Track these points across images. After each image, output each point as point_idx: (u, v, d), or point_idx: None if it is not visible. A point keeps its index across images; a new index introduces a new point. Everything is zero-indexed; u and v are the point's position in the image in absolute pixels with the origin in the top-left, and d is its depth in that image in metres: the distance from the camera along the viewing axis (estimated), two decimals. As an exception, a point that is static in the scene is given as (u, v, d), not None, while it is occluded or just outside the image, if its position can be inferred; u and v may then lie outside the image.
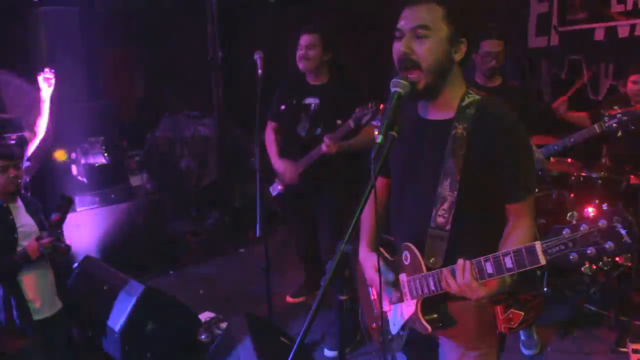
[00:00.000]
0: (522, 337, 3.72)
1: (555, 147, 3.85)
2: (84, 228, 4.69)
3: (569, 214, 1.48)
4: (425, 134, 1.96)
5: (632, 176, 4.10)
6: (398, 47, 1.84)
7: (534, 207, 1.90)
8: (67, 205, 3.25)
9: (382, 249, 2.16)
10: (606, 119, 3.49)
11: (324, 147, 3.64)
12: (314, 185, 3.90)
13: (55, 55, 4.91)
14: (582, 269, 1.46)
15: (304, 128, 3.88)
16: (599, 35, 5.51)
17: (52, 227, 3.21)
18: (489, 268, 1.67)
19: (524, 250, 1.58)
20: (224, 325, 3.98)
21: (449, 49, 1.82)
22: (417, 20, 1.80)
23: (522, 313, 1.93)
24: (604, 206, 1.42)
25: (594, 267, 1.45)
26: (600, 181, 4.11)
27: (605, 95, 5.52)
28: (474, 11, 1.91)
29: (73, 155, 4.89)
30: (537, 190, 4.30)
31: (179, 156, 6.01)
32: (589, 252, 1.43)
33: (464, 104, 1.88)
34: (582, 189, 4.20)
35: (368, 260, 2.14)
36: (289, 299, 4.52)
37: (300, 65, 3.78)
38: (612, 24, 5.37)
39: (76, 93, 4.98)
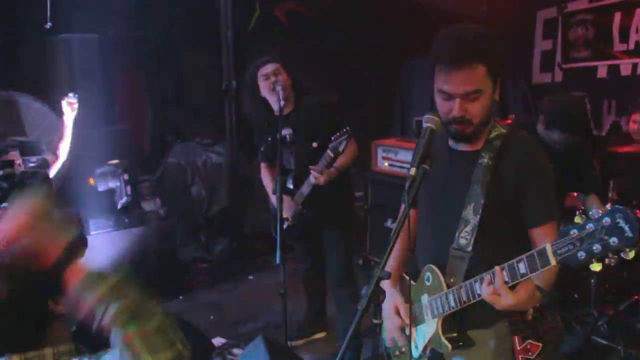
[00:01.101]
0: (532, 368, 3.76)
1: None
2: (97, 251, 4.73)
3: (576, 216, 1.57)
4: (454, 163, 2.09)
5: (637, 210, 4.19)
6: (449, 110, 1.93)
7: (555, 233, 1.98)
8: None
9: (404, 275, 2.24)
10: None
11: (312, 180, 3.62)
12: (316, 212, 3.87)
13: (74, 80, 5.02)
14: (590, 266, 1.54)
15: (288, 161, 3.87)
16: (602, 72, 5.68)
17: None
18: (505, 276, 1.77)
19: (535, 253, 1.68)
20: (236, 350, 4.02)
21: (493, 96, 1.96)
22: (468, 86, 1.88)
23: (541, 345, 2.00)
24: (608, 205, 1.51)
25: (601, 263, 1.52)
26: (607, 215, 4.18)
27: (608, 131, 5.65)
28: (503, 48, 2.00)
29: (126, 176, 4.95)
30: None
31: (190, 183, 6.07)
32: (595, 249, 1.51)
33: (491, 136, 2.03)
34: (589, 222, 4.28)
35: (389, 296, 2.15)
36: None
37: (274, 97, 3.65)
38: (615, 62, 5.54)
39: (93, 118, 5.05)
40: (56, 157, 4.10)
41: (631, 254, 1.49)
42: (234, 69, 5.84)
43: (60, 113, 4.12)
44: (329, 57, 6.77)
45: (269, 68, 3.69)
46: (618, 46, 5.51)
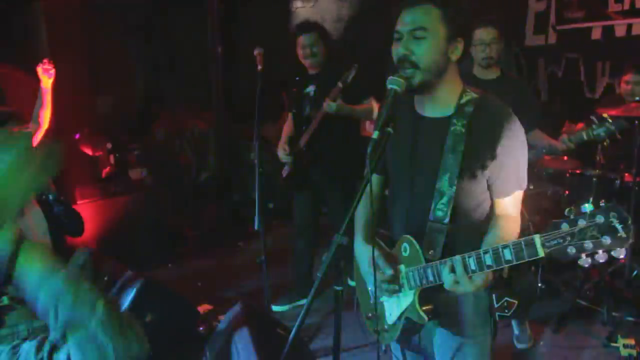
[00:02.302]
0: (516, 332, 3.77)
1: (544, 151, 3.88)
2: (85, 220, 4.72)
3: (566, 210, 1.55)
4: (424, 130, 2.02)
5: (626, 174, 4.15)
6: (397, 49, 1.90)
7: (519, 203, 2.00)
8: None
9: (379, 241, 2.21)
10: (595, 126, 3.54)
11: (324, 106, 3.93)
12: (319, 157, 4.16)
13: (56, 48, 4.94)
14: (579, 261, 1.52)
15: (306, 113, 4.22)
16: (596, 34, 5.55)
17: None
18: (488, 260, 1.72)
19: (522, 243, 1.63)
20: (222, 317, 4.02)
21: (445, 49, 1.88)
22: (414, 23, 1.85)
23: (516, 302, 1.99)
24: (602, 203, 1.48)
25: (590, 259, 1.50)
26: (594, 179, 4.16)
27: (602, 94, 5.56)
28: (471, 10, 1.95)
29: (109, 145, 4.95)
30: (532, 187, 4.40)
31: (178, 150, 6.04)
32: (586, 246, 1.49)
33: (462, 101, 1.95)
34: (577, 187, 4.27)
35: (364, 254, 2.17)
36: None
37: (307, 62, 4.12)
38: (609, 23, 5.41)
39: (77, 86, 5.00)
40: (39, 125, 4.05)
41: (622, 253, 1.48)
42: (220, 34, 5.74)
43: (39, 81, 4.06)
44: (325, 19, 6.64)
45: (305, 39, 4.07)
46: (613, 6, 5.37)
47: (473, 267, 1.75)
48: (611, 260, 1.50)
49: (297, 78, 4.28)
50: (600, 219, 1.47)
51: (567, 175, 4.34)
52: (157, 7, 6.21)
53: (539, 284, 4.17)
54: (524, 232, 1.92)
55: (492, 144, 1.90)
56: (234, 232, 5.83)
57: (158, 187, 5.51)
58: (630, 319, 3.90)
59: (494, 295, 2.00)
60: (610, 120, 3.49)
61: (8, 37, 5.06)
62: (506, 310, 1.99)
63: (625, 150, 4.14)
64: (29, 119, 4.18)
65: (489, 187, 1.98)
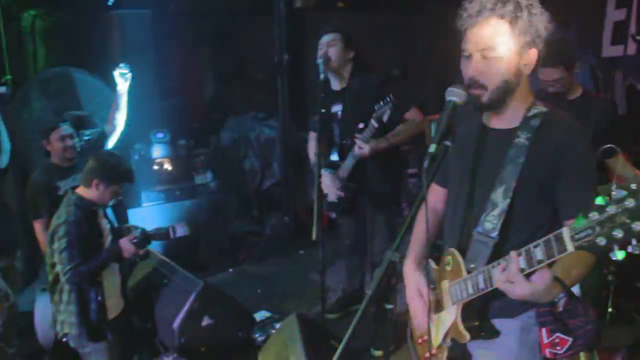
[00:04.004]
0: None
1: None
2: (148, 223, 4.82)
3: (599, 198, 1.39)
4: (488, 141, 1.95)
5: None
6: (466, 69, 1.83)
7: None
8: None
9: (430, 260, 2.13)
10: None
11: (356, 150, 3.62)
12: (362, 188, 3.88)
13: (127, 55, 5.08)
14: (611, 254, 1.37)
15: (337, 136, 3.93)
16: (682, 44, 5.25)
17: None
18: (521, 262, 1.64)
19: (552, 238, 1.54)
20: (278, 325, 4.03)
21: (517, 64, 1.80)
22: (483, 42, 1.77)
23: (571, 339, 1.83)
24: (632, 185, 1.33)
25: (624, 252, 1.35)
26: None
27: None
28: (545, 13, 1.81)
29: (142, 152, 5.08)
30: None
31: (243, 156, 6.11)
32: (616, 234, 1.34)
33: (529, 114, 1.86)
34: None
35: (412, 280, 2.12)
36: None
37: (321, 66, 3.68)
38: (697, 32, 5.10)
39: (146, 92, 5.13)
40: (113, 127, 4.17)
41: None
42: (287, 42, 5.78)
43: (114, 85, 4.18)
44: (392, 31, 6.59)
45: (325, 38, 3.72)
46: (699, 14, 5.07)
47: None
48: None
49: (322, 95, 3.71)
50: (630, 202, 1.32)
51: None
52: (226, 15, 6.32)
53: (609, 309, 3.95)
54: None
55: (557, 161, 1.79)
56: (295, 240, 5.83)
57: (222, 192, 5.59)
58: None
59: (543, 330, 1.85)
60: None
61: (83, 44, 5.27)
62: (558, 348, 1.83)
63: None
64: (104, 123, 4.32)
65: (553, 207, 1.85)
